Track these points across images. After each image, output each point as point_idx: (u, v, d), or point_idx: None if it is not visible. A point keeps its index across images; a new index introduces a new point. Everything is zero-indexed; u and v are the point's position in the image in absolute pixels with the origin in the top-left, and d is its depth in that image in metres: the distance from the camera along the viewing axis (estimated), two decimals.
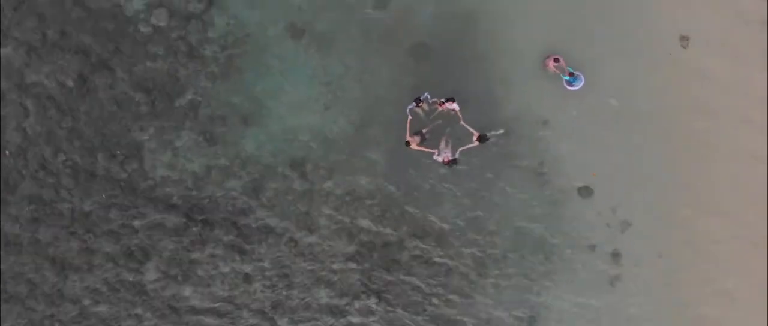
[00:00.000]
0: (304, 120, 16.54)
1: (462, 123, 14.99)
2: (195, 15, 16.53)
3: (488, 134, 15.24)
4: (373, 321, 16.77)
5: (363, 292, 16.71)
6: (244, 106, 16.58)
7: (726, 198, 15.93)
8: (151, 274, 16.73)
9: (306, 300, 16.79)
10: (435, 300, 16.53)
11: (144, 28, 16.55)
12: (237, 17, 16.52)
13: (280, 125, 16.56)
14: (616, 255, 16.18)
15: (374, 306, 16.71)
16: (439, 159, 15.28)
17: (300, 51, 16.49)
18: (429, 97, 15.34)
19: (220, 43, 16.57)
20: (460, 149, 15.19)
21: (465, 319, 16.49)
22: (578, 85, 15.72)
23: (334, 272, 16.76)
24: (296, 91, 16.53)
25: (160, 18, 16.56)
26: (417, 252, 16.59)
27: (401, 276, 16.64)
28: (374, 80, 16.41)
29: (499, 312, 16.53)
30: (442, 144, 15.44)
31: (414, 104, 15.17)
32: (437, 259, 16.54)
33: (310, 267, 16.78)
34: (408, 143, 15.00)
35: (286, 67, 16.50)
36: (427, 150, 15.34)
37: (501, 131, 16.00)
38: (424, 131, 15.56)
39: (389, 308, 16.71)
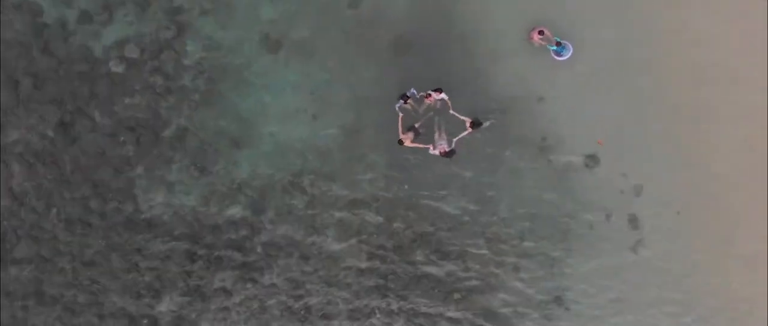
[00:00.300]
0: (294, 132, 16.09)
1: (452, 112, 14.59)
2: (167, 44, 16.05)
3: (481, 119, 14.79)
4: (397, 321, 16.32)
5: (383, 296, 16.27)
6: (232, 129, 16.14)
7: (732, 149, 15.43)
8: (165, 316, 16.27)
9: (326, 312, 16.34)
10: (456, 295, 16.07)
11: (116, 67, 16.07)
12: (210, 39, 16.08)
13: (272, 142, 16.12)
14: (633, 220, 15.69)
15: (396, 307, 16.27)
16: (436, 152, 14.84)
17: (279, 63, 16.04)
18: (415, 92, 14.91)
19: (197, 69, 16.12)
20: (455, 138, 14.78)
21: (491, 307, 16.03)
22: (567, 55, 15.24)
23: (351, 281, 16.32)
24: (282, 105, 16.09)
25: (131, 53, 16.06)
26: (432, 247, 16.13)
27: (419, 274, 16.20)
28: (359, 81, 15.94)
29: (524, 293, 16.03)
30: (436, 136, 15.02)
31: (401, 101, 14.75)
32: (452, 250, 16.07)
33: (325, 280, 16.32)
34: (401, 142, 14.60)
35: (268, 82, 16.06)
36: (421, 146, 14.92)
37: (492, 121, 15.54)
38: (416, 126, 15.11)
39: (412, 307, 16.28)
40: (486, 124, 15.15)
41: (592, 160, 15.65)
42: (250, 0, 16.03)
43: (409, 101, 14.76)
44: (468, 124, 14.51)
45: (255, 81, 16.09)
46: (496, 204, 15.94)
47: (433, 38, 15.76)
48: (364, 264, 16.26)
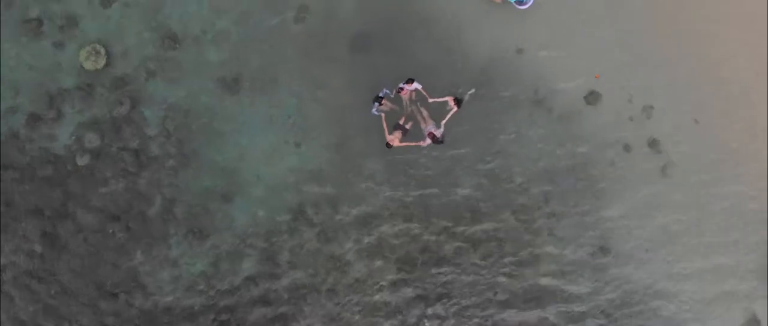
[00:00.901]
0: (282, 166, 15.15)
1: (430, 100, 13.70)
2: (124, 120, 15.10)
3: (461, 94, 13.91)
4: (448, 323, 15.46)
5: (426, 303, 15.39)
6: (218, 184, 15.21)
7: (735, 44, 14.42)
8: None
9: None
10: (501, 278, 15.18)
11: (82, 161, 15.14)
12: (166, 101, 15.10)
13: (262, 184, 15.19)
14: (653, 144, 14.71)
15: (443, 310, 15.41)
16: (427, 141, 13.89)
17: (244, 103, 15.07)
18: (388, 91, 13.94)
19: (163, 135, 15.17)
20: (443, 122, 13.80)
21: (540, 281, 15.14)
22: (529, 2, 14.22)
23: (387, 298, 15.44)
24: (261, 143, 15.15)
25: (91, 142, 15.12)
26: (459, 240, 15.21)
27: (455, 270, 15.31)
28: (330, 94, 14.99)
29: (567, 255, 15.15)
30: (423, 125, 14.07)
31: (377, 105, 13.82)
32: (482, 235, 15.16)
33: (361, 305, 15.45)
34: (389, 144, 13.75)
35: (239, 124, 15.10)
36: (412, 144, 13.99)
37: (472, 90, 14.58)
38: (401, 123, 14.13)
39: (458, 304, 15.41)
40: (467, 96, 14.15)
41: (592, 96, 14.66)
42: (194, 47, 15.02)
43: (384, 102, 13.82)
44: (451, 103, 13.60)
45: (225, 128, 15.13)
46: (509, 174, 14.99)
47: (390, 29, 14.77)
48: (395, 277, 15.36)
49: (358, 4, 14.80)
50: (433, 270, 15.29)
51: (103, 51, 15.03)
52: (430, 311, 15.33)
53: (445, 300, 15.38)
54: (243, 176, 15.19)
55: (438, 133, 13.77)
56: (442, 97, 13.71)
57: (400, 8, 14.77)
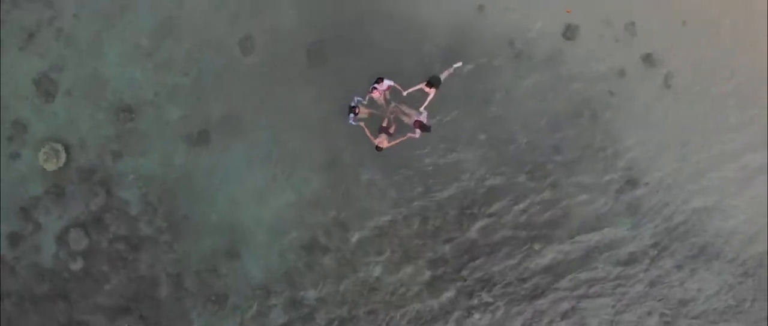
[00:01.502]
0: (278, 204, 14.28)
1: (405, 93, 12.77)
2: (104, 209, 14.22)
3: (438, 75, 12.92)
4: (498, 308, 14.58)
5: (469, 294, 14.51)
6: (220, 243, 14.36)
7: None
8: None
9: None
10: (536, 245, 14.31)
11: (75, 265, 14.27)
12: (140, 175, 14.24)
13: (264, 228, 14.33)
14: (647, 59, 13.82)
15: (489, 296, 14.51)
16: (416, 133, 12.98)
17: (219, 151, 14.19)
18: (360, 98, 13.06)
19: (148, 211, 14.31)
20: (422, 108, 12.93)
21: (577, 236, 14.26)
22: None
23: (429, 301, 14.55)
24: (250, 187, 14.28)
25: (78, 243, 14.25)
26: (481, 219, 14.32)
27: (487, 250, 14.40)
28: (303, 116, 14.11)
29: (595, 200, 14.26)
30: (408, 121, 13.16)
31: (352, 115, 12.86)
32: (502, 208, 14.26)
33: (404, 318, 14.57)
34: (378, 147, 12.84)
35: (221, 175, 14.23)
36: (402, 139, 13.08)
37: (458, 64, 13.67)
38: (385, 126, 13.24)
39: (502, 284, 14.50)
40: (445, 74, 13.26)
41: (569, 31, 13.79)
42: (151, 113, 14.14)
43: (359, 109, 12.87)
44: (426, 88, 12.66)
45: (208, 183, 14.25)
46: (511, 136, 14.11)
47: (342, 31, 13.92)
48: (429, 278, 14.49)
49: (299, 17, 13.94)
50: (466, 259, 14.41)
51: (60, 147, 14.21)
52: (475, 301, 14.44)
53: (487, 286, 14.50)
54: (242, 226, 14.32)
55: (424, 118, 12.89)
56: (417, 85, 12.80)
57: (343, 8, 13.90)
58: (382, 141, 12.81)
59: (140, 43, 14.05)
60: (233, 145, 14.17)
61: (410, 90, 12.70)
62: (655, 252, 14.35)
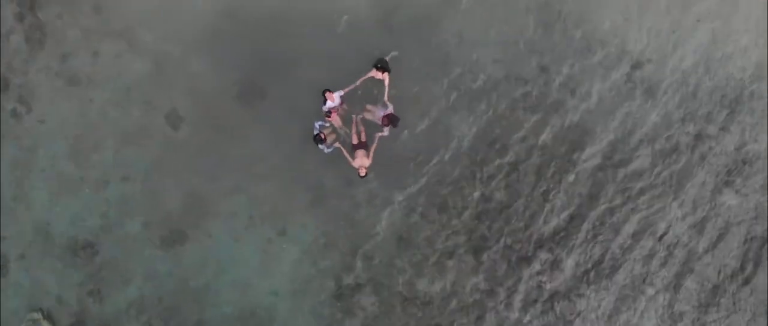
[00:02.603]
0: (286, 264, 12.67)
1: (357, 86, 11.55)
2: None
3: (384, 58, 11.58)
4: (561, 259, 12.84)
5: (526, 262, 12.80)
6: None
7: None
8: None
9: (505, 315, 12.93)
10: (570, 176, 12.63)
11: None
12: (132, 306, 12.69)
13: (284, 298, 12.67)
14: None
15: (548, 255, 12.79)
16: (385, 133, 11.70)
17: (199, 242, 12.58)
18: (321, 122, 11.72)
19: None
20: (385, 99, 11.56)
21: (605, 151, 12.57)
22: None
23: (489, 287, 12.82)
24: (249, 263, 12.64)
25: None
26: (501, 178, 12.66)
27: (522, 209, 12.72)
28: (267, 162, 12.52)
29: (605, 95, 12.60)
30: (376, 119, 11.79)
31: (323, 145, 11.54)
32: (517, 156, 12.61)
33: (473, 314, 12.85)
34: (360, 172, 11.51)
35: (215, 265, 12.62)
36: (376, 144, 11.69)
37: (395, 53, 12.24)
38: (355, 143, 11.85)
39: (557, 237, 12.77)
40: (389, 57, 11.86)
41: None
42: (110, 235, 12.57)
43: (324, 135, 11.46)
44: (379, 76, 11.33)
45: (206, 279, 12.64)
46: (490, 78, 12.47)
47: (264, 56, 12.36)
48: (479, 262, 12.81)
49: (213, 65, 12.36)
50: (504, 227, 12.72)
51: (38, 316, 12.71)
52: (537, 267, 12.72)
53: (542, 244, 12.81)
54: (262, 306, 12.70)
55: (390, 110, 11.51)
56: (365, 75, 11.45)
57: (251, 33, 12.34)
58: (362, 161, 11.52)
59: (65, 172, 12.48)
60: (211, 228, 12.54)
61: (361, 80, 11.39)
62: (694, 127, 12.68)
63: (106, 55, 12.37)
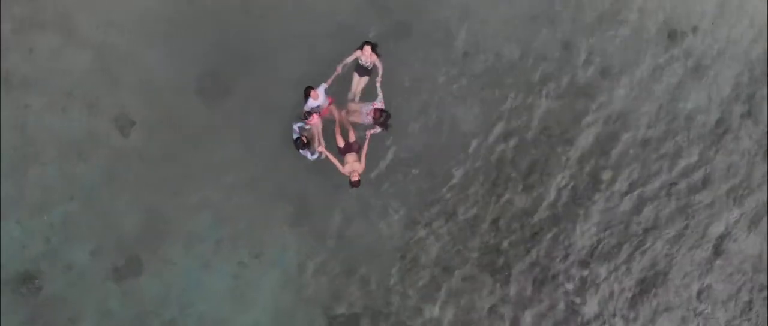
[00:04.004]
0: (268, 295, 10.79)
1: (341, 70, 10.02)
2: None
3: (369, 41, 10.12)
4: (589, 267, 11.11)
5: (551, 277, 11.14)
6: None
7: None
8: None
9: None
10: (604, 175, 10.90)
11: None
12: None
13: None
14: None
15: (572, 269, 11.22)
16: (377, 130, 10.07)
17: (159, 271, 10.62)
18: (300, 124, 9.99)
19: None
20: (377, 83, 10.03)
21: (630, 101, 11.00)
22: None
23: (510, 310, 11.13)
24: (221, 296, 10.74)
25: None
26: (529, 185, 11.00)
27: (535, 193, 11.17)
28: (237, 171, 10.72)
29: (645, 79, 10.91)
30: (363, 116, 10.19)
31: (309, 153, 9.89)
32: (529, 134, 11.11)
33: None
34: (354, 183, 9.91)
35: (179, 298, 10.65)
36: (368, 144, 9.99)
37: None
38: (342, 146, 10.07)
39: (563, 248, 11.24)
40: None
41: None
42: (55, 265, 10.56)
43: (306, 138, 9.80)
44: (365, 55, 9.87)
45: (170, 315, 10.63)
46: (496, 59, 10.92)
47: (230, 46, 10.71)
48: (490, 280, 11.17)
49: (169, 57, 10.56)
50: (529, 239, 11.02)
51: None
52: (560, 279, 10.82)
53: (563, 253, 11.17)
54: None
55: (379, 103, 9.89)
56: (349, 56, 9.96)
57: (216, 16, 10.71)
58: (354, 166, 9.91)
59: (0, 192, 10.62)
60: (172, 253, 10.62)
61: (345, 61, 9.89)
62: (745, 108, 11.11)
63: (41, 51, 10.50)
